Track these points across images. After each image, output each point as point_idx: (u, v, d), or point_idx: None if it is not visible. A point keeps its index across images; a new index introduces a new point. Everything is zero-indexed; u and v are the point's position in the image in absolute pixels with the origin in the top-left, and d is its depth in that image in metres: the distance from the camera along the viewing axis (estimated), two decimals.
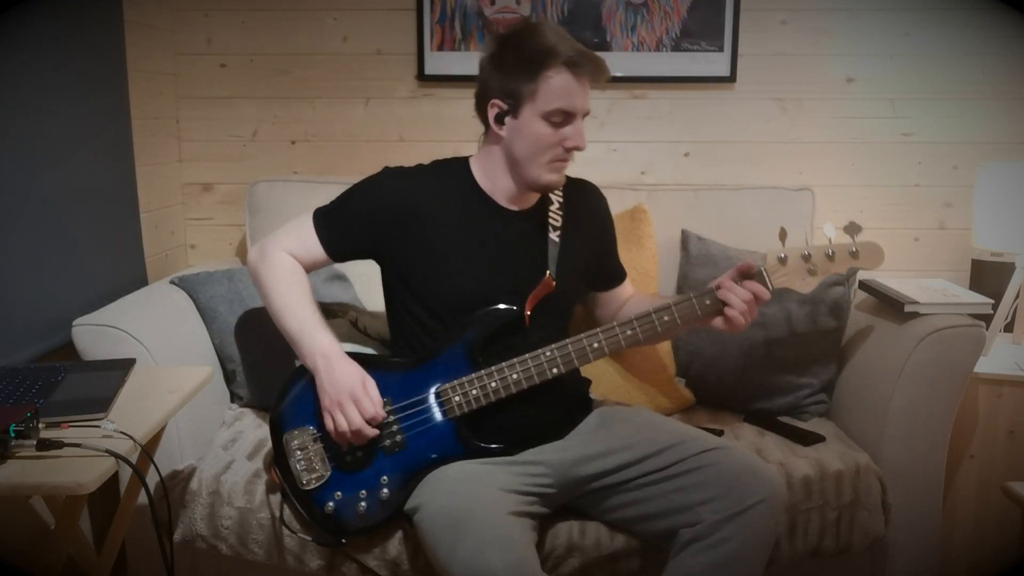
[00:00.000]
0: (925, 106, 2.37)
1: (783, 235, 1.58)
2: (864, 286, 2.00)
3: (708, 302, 1.53)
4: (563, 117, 1.50)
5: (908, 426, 1.74)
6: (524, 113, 1.51)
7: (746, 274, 1.54)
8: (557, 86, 1.48)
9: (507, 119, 1.53)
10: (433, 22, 2.34)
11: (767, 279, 1.56)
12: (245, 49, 2.39)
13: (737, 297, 1.51)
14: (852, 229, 1.56)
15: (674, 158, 2.43)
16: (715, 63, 2.35)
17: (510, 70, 1.50)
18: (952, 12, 2.32)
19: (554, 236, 1.61)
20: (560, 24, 2.28)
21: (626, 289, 1.81)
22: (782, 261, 1.57)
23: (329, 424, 1.47)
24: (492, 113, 1.54)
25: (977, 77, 2.35)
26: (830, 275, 1.63)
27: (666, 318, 1.53)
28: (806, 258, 1.57)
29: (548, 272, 1.58)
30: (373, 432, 1.47)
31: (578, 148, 1.53)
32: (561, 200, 1.64)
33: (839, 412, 1.95)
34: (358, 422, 1.45)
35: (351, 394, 1.45)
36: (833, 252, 1.57)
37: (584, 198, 1.70)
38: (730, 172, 2.41)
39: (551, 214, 1.62)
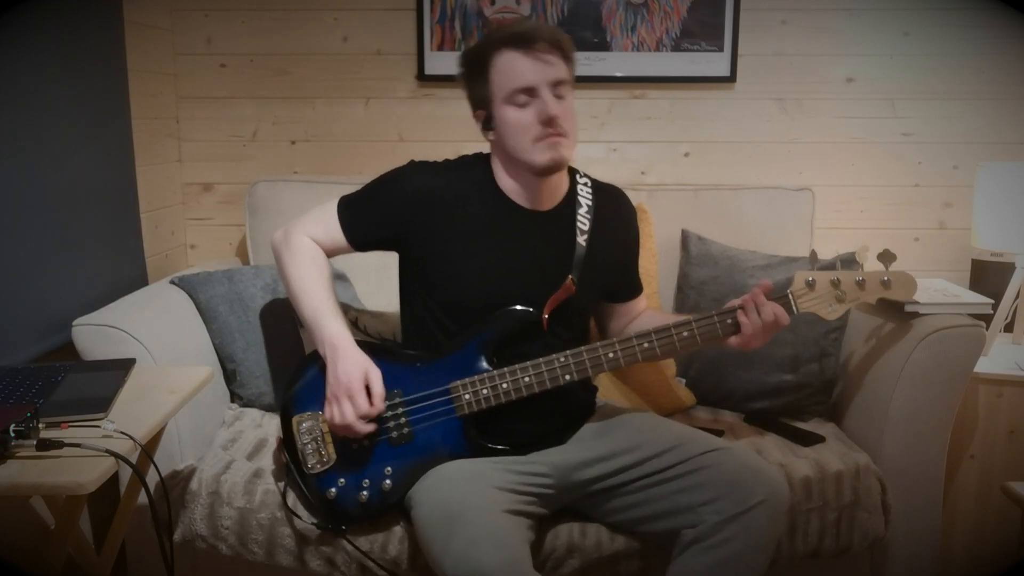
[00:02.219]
0: (925, 106, 2.37)
1: (814, 258, 1.54)
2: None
3: (729, 321, 1.51)
4: (526, 96, 1.48)
5: (908, 426, 1.74)
6: (495, 110, 1.52)
7: (767, 294, 1.51)
8: (505, 69, 1.48)
9: (492, 124, 1.54)
10: (433, 22, 2.34)
11: (793, 303, 1.53)
12: (245, 49, 2.39)
13: (758, 316, 1.48)
14: (886, 257, 1.52)
15: (674, 158, 2.43)
16: (715, 63, 2.35)
17: (468, 79, 1.55)
18: (952, 12, 2.32)
19: (581, 240, 1.58)
20: (560, 24, 2.30)
21: (640, 303, 1.78)
22: (810, 285, 1.53)
23: (327, 414, 1.49)
24: (479, 124, 1.57)
25: (977, 77, 2.35)
26: (858, 303, 1.57)
27: (685, 334, 1.51)
28: (835, 284, 1.53)
29: (569, 276, 1.56)
30: (366, 429, 1.47)
31: (552, 117, 1.48)
32: (591, 204, 1.62)
33: (839, 412, 1.95)
34: (350, 418, 1.45)
35: (348, 389, 1.46)
36: (864, 280, 1.53)
37: (614, 205, 1.68)
38: (730, 172, 2.41)
39: (580, 218, 1.60)
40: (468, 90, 1.57)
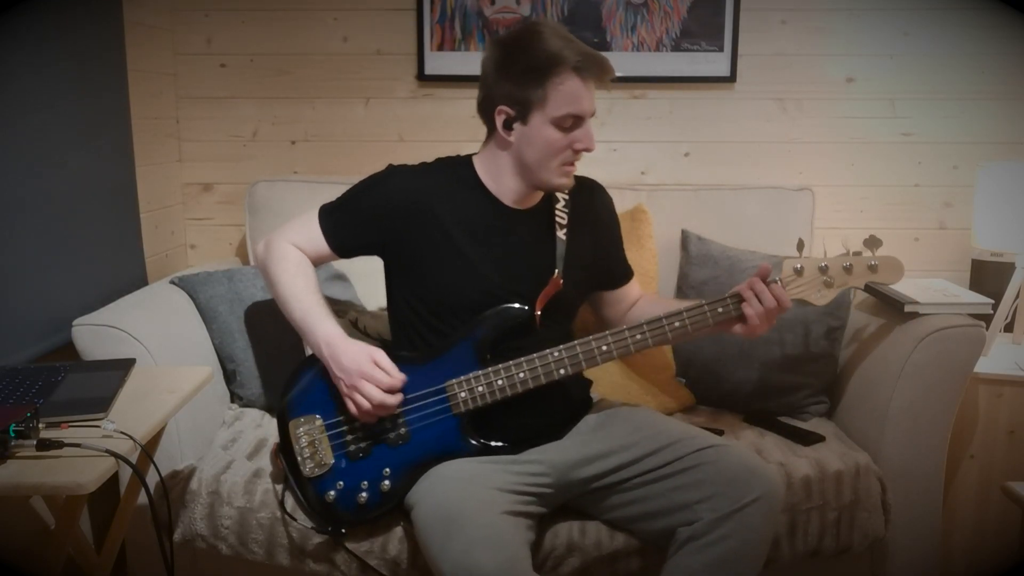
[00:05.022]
0: (925, 106, 2.37)
1: (800, 245, 1.55)
2: (864, 286, 1.99)
3: (720, 310, 1.51)
4: (573, 121, 1.49)
5: (908, 426, 1.74)
6: (533, 120, 1.50)
7: (764, 278, 1.52)
8: (566, 92, 1.47)
9: (516, 125, 1.51)
10: (433, 22, 2.34)
11: None
12: (245, 49, 2.39)
13: (759, 303, 1.49)
14: (872, 243, 1.53)
15: (674, 158, 2.43)
16: (715, 63, 2.35)
17: (517, 77, 1.48)
18: (952, 12, 2.32)
19: (561, 235, 1.60)
20: (560, 24, 2.30)
21: (633, 289, 1.79)
22: (798, 272, 1.54)
23: (352, 409, 1.48)
24: (500, 120, 1.52)
25: (977, 77, 2.35)
26: (847, 287, 1.58)
27: (676, 324, 1.51)
28: (823, 270, 1.54)
29: (556, 271, 1.57)
30: (395, 400, 1.47)
31: (588, 150, 1.52)
32: (567, 198, 1.63)
33: (839, 412, 1.95)
34: (378, 397, 1.45)
35: (361, 373, 1.46)
36: (851, 265, 1.54)
37: (589, 196, 1.70)
38: (730, 172, 2.41)
39: (557, 212, 1.62)
40: (507, 84, 1.50)
